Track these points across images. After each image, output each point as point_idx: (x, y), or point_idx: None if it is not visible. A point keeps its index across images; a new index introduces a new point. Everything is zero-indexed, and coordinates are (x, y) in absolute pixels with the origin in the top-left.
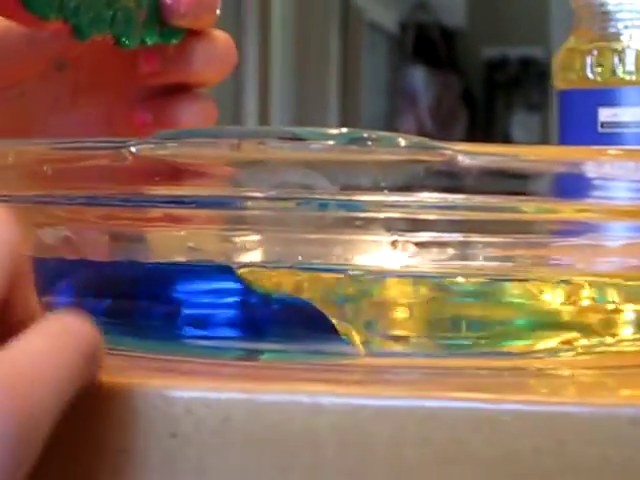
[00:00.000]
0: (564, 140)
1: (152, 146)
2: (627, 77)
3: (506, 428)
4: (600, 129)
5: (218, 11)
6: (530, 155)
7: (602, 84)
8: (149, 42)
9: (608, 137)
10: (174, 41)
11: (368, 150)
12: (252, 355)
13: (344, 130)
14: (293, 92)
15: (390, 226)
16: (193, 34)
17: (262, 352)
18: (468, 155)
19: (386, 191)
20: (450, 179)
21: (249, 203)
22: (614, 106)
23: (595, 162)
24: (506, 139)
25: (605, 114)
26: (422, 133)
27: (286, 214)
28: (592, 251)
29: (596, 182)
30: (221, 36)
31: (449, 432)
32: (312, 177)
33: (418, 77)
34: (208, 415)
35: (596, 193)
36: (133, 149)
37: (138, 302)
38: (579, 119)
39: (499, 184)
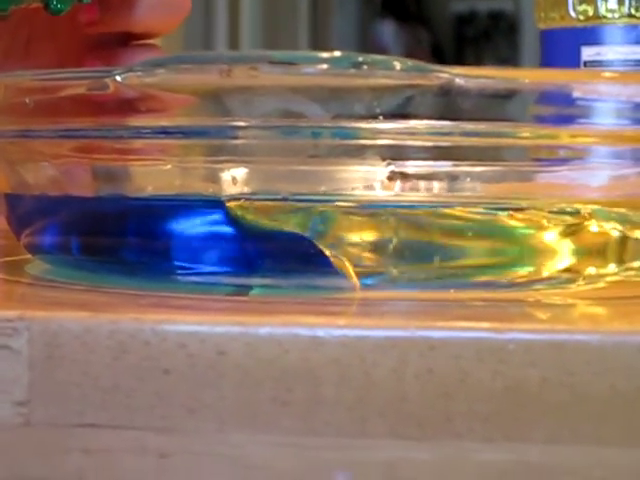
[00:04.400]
0: None
1: (138, 74)
2: (609, 15)
3: (512, 358)
4: (583, 68)
5: None
6: (529, 77)
7: (584, 23)
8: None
9: None
10: None
11: (363, 74)
12: (243, 290)
13: (338, 54)
14: (263, 48)
15: (385, 155)
16: None
17: (253, 287)
18: (466, 78)
19: (381, 118)
20: (447, 103)
21: (238, 132)
22: (597, 45)
23: (598, 83)
24: None
25: (588, 53)
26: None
27: (277, 143)
28: (594, 178)
29: (595, 104)
30: None
31: (453, 363)
32: (304, 104)
33: (387, 32)
34: (202, 350)
35: (596, 118)
36: (118, 78)
37: (125, 239)
38: (562, 58)
39: (497, 108)
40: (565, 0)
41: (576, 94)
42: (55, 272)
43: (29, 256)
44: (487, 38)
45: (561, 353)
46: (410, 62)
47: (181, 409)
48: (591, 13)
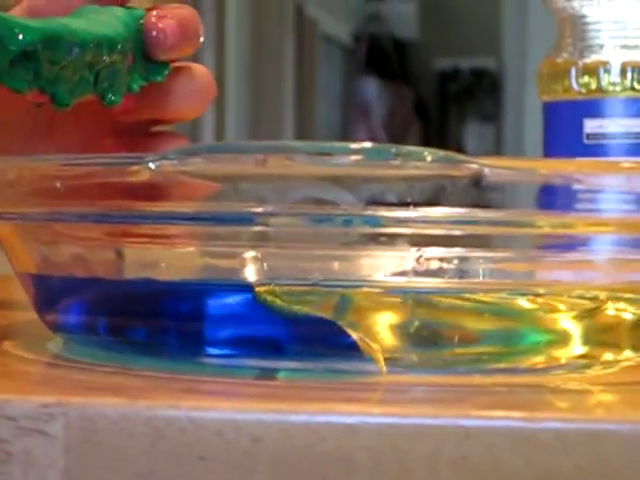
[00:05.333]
0: (549, 152)
1: (173, 162)
2: (612, 88)
3: (544, 447)
4: (586, 140)
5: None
6: (554, 169)
7: (587, 96)
8: (135, 89)
9: (594, 149)
10: (159, 79)
11: (395, 165)
12: (272, 374)
13: (370, 145)
14: (248, 104)
15: (415, 242)
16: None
17: (281, 371)
18: (495, 169)
19: (412, 206)
20: (476, 193)
21: (270, 219)
22: (599, 117)
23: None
24: (459, 150)
25: (590, 125)
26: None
27: (309, 230)
28: (609, 265)
29: (622, 196)
30: (200, 70)
31: (487, 451)
32: (336, 192)
33: (371, 88)
34: (238, 437)
35: (622, 207)
36: (152, 165)
37: (153, 321)
38: (564, 131)
39: (523, 197)
40: (568, 73)
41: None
42: (79, 351)
43: (50, 334)
44: (470, 95)
45: (594, 441)
46: (441, 153)
47: None
48: (594, 86)
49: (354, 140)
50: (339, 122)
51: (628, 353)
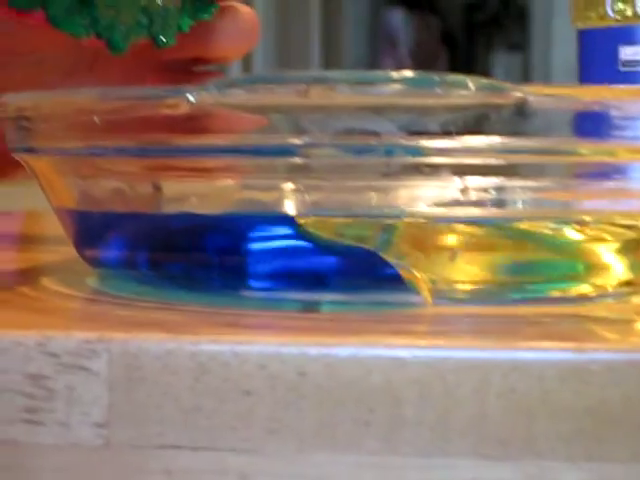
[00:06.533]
0: (584, 80)
1: (214, 93)
2: None
3: (594, 378)
4: (621, 68)
5: None
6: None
7: (623, 22)
8: (185, 29)
9: (630, 75)
10: (206, 17)
11: (437, 94)
12: (315, 307)
13: (412, 74)
14: (275, 35)
15: (458, 172)
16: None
17: (324, 303)
18: (539, 97)
19: (455, 136)
20: (520, 121)
21: (311, 150)
22: (635, 44)
23: None
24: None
25: (626, 52)
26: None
27: (350, 161)
28: None
29: None
30: (245, 10)
31: (536, 383)
32: (378, 122)
33: (397, 19)
34: (283, 371)
35: None
36: (190, 97)
37: (194, 255)
38: (600, 58)
39: (567, 125)
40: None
41: None
42: (119, 287)
43: (88, 269)
44: (497, 24)
45: None
46: (484, 81)
47: (262, 430)
48: (629, 13)
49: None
50: (366, 53)
51: None
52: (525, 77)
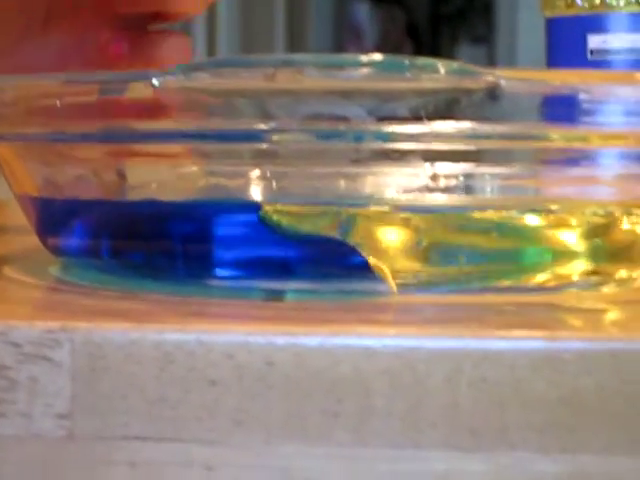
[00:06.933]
0: (552, 68)
1: (179, 77)
2: (615, 3)
3: (567, 367)
4: (590, 56)
5: None
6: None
7: (590, 10)
8: None
9: (598, 64)
10: None
11: (407, 78)
12: (280, 296)
13: (382, 57)
14: (239, 26)
15: (428, 158)
16: None
17: (291, 292)
18: (511, 81)
19: (425, 121)
20: (494, 106)
21: (278, 135)
22: (603, 33)
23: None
24: None
25: (594, 41)
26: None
27: (318, 147)
28: (622, 180)
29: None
30: None
31: (507, 372)
32: (347, 107)
33: (363, 11)
34: (250, 360)
35: (631, 119)
36: (155, 81)
37: (158, 243)
38: (568, 47)
39: (540, 110)
40: None
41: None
42: (83, 275)
43: (51, 258)
44: (462, 16)
45: (617, 361)
46: (455, 64)
47: (228, 421)
48: (598, 1)
49: None
50: (331, 45)
51: None
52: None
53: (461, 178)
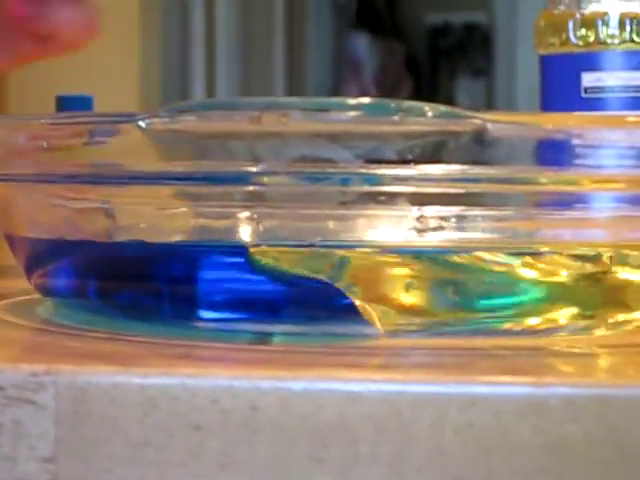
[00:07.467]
0: (546, 106)
1: (164, 120)
2: (610, 41)
3: (553, 413)
4: (584, 94)
5: None
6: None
7: (585, 48)
8: None
9: (592, 102)
10: None
11: (394, 121)
12: (267, 338)
13: (369, 100)
14: (238, 61)
15: (415, 201)
16: None
17: (277, 335)
18: (498, 124)
19: (412, 164)
20: (479, 149)
21: (266, 178)
22: (598, 71)
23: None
24: (450, 105)
25: (588, 79)
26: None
27: (306, 190)
28: (614, 223)
29: (621, 151)
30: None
31: (493, 418)
32: (334, 150)
33: (362, 45)
34: (234, 405)
35: (618, 162)
36: (142, 123)
37: (145, 284)
38: (562, 84)
39: (527, 153)
40: (565, 25)
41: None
42: (70, 316)
43: (38, 297)
44: (461, 50)
45: (605, 408)
46: (442, 108)
47: (213, 466)
48: (592, 39)
49: (345, 96)
50: (330, 78)
51: (634, 314)
52: (489, 103)
53: (453, 220)
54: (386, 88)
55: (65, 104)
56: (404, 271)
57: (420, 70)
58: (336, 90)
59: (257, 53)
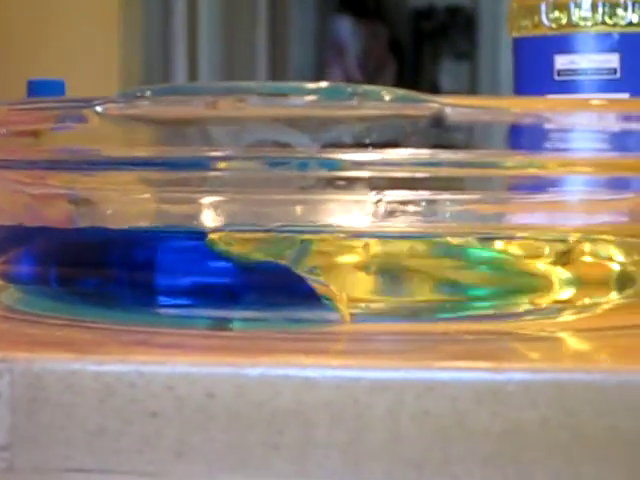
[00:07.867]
0: (519, 89)
1: (120, 105)
2: (583, 23)
3: (511, 399)
4: (556, 77)
5: None
6: (519, 107)
7: (557, 31)
8: None
9: (565, 85)
10: None
11: (351, 105)
12: (225, 323)
13: (326, 84)
14: (221, 45)
15: (374, 185)
16: None
17: (237, 321)
18: (456, 108)
19: (370, 148)
20: (438, 133)
21: (223, 163)
22: (570, 53)
23: (591, 113)
24: (434, 88)
25: (561, 61)
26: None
27: (264, 175)
28: (582, 206)
29: (586, 134)
30: None
31: (450, 405)
32: (292, 135)
33: (345, 27)
34: (191, 392)
35: (584, 145)
36: (98, 109)
37: (105, 270)
38: (535, 67)
39: (487, 137)
40: (538, 8)
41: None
42: (32, 303)
43: (1, 284)
44: (445, 33)
45: (561, 393)
46: (400, 92)
47: (169, 453)
48: (564, 21)
49: (329, 80)
50: (313, 62)
51: (603, 297)
52: (473, 86)
53: (413, 205)
54: (370, 71)
55: (36, 89)
56: (364, 256)
57: (404, 53)
58: (319, 73)
59: (240, 36)
